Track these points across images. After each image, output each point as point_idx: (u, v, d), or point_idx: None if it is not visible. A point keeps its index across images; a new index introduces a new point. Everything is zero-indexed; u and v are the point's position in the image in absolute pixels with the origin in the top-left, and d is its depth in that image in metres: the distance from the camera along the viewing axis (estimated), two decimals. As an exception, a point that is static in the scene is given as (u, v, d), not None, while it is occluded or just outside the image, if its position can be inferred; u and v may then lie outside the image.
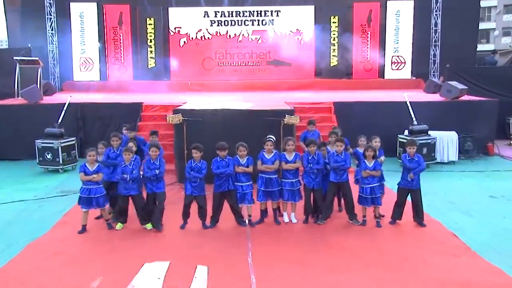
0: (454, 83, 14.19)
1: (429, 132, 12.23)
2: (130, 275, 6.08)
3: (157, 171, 7.60)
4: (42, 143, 12.04)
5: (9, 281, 6.02)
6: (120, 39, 18.81)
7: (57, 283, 5.94)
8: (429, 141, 12.05)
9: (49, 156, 11.90)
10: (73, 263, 6.53)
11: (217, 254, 6.81)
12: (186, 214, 7.86)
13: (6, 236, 7.50)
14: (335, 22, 18.87)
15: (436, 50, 18.31)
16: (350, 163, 7.85)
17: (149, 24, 18.85)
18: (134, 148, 7.94)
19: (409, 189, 7.80)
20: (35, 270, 6.33)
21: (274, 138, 8.23)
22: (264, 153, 7.90)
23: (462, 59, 17.82)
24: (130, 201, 7.77)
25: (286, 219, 8.02)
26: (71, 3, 18.44)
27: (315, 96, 15.66)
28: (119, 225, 7.77)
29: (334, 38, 18.92)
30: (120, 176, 7.56)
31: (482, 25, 28.77)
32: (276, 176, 7.93)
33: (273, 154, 7.87)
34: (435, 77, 17.83)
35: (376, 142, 8.21)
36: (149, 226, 7.75)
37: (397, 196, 7.94)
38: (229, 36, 19.14)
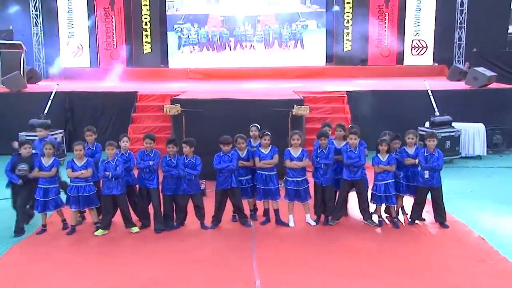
0: (481, 69, 14.11)
1: (453, 124, 12.16)
2: (123, 281, 6.14)
3: (151, 162, 7.63)
4: (27, 135, 12.06)
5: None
6: (112, 21, 18.80)
7: (44, 288, 5.99)
8: (453, 134, 11.99)
9: (34, 150, 11.90)
10: (60, 268, 6.59)
11: (219, 257, 6.85)
12: (181, 215, 7.93)
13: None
14: (349, 3, 18.74)
15: (461, 33, 18.17)
16: (364, 159, 7.84)
17: (144, 5, 18.78)
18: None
19: (429, 187, 7.80)
20: (19, 275, 6.39)
21: (259, 126, 8.32)
22: (260, 148, 7.92)
23: (491, 43, 17.72)
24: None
25: (291, 223, 7.97)
26: (57, -19, 18.48)
27: (327, 84, 15.62)
28: (99, 231, 7.68)
29: (348, 20, 18.83)
30: (102, 173, 7.57)
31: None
32: (275, 172, 7.94)
33: (269, 148, 7.88)
34: (460, 63, 17.74)
35: (410, 139, 8.02)
36: (135, 229, 7.77)
37: (416, 195, 7.95)
38: (232, 17, 19.05)
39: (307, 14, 19.06)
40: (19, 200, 7.76)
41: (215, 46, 19.21)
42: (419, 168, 7.81)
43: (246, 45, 19.20)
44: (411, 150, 7.95)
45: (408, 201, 8.20)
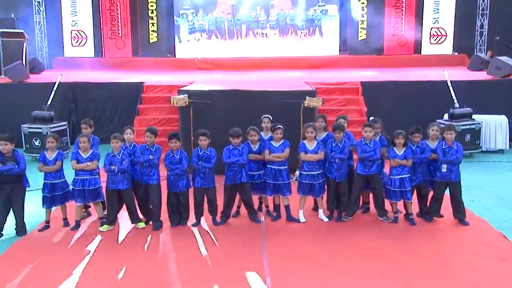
0: (504, 58, 14.00)
1: (474, 116, 12.09)
2: (130, 278, 6.17)
3: (151, 157, 7.62)
4: (29, 128, 12.18)
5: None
6: (117, 9, 18.80)
7: (46, 287, 6.03)
8: (473, 126, 11.91)
9: (37, 143, 12.03)
10: (64, 264, 6.62)
11: (228, 254, 6.87)
12: (199, 211, 7.91)
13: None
14: (365, -12, 18.65)
15: (483, 20, 17.96)
16: (379, 153, 7.80)
17: (150, -8, 18.82)
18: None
19: (447, 182, 7.74)
20: (21, 271, 6.42)
21: (271, 118, 8.29)
22: (272, 141, 7.90)
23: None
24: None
25: (302, 218, 8.00)
26: (60, -32, 18.51)
27: (340, 75, 15.56)
28: (104, 227, 7.72)
29: (363, 8, 18.70)
30: (107, 167, 7.59)
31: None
32: (286, 167, 7.93)
33: (281, 142, 7.86)
34: (481, 52, 17.57)
35: (434, 131, 7.93)
36: (141, 224, 7.81)
37: (434, 190, 7.89)
38: (243, 1, 18.86)
39: None
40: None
41: (224, 34, 19.04)
42: (439, 163, 7.73)
43: (258, 33, 18.94)
44: (433, 144, 7.86)
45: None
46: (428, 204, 8.00)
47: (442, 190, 7.82)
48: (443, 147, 7.69)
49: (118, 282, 6.11)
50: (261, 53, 18.84)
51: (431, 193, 7.98)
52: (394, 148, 7.79)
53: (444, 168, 7.65)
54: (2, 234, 7.62)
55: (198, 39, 19.00)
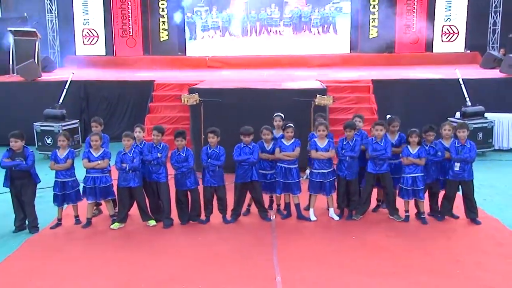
0: (517, 56, 13.91)
1: (486, 115, 12.01)
2: (140, 276, 6.21)
3: (159, 155, 7.66)
4: (41, 126, 12.26)
5: (7, 280, 6.18)
6: (128, 7, 18.88)
7: (58, 285, 6.07)
8: (486, 125, 11.82)
9: (49, 141, 12.11)
10: (76, 262, 6.67)
11: (239, 252, 6.88)
12: (209, 209, 7.93)
13: (2, 229, 7.70)
14: (376, -13, 18.58)
15: (496, 18, 17.83)
16: (390, 152, 7.76)
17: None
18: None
19: (460, 181, 7.69)
20: (35, 268, 6.49)
21: (283, 116, 8.29)
22: (283, 140, 7.90)
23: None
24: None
25: (312, 217, 7.98)
26: (72, -35, 18.61)
27: (351, 73, 15.51)
28: (115, 225, 7.76)
29: (374, 5, 18.62)
30: (119, 165, 7.62)
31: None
32: (297, 166, 7.92)
33: (292, 141, 7.85)
34: (494, 50, 17.44)
35: (447, 130, 7.84)
36: (152, 222, 7.83)
37: (446, 189, 7.84)
38: (247, 3, 18.84)
39: None
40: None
41: (238, 31, 18.95)
42: (452, 161, 7.67)
43: (272, 30, 18.83)
44: (447, 143, 7.80)
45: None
46: (439, 203, 7.96)
47: (455, 189, 7.76)
48: (456, 145, 7.62)
49: (129, 280, 6.14)
50: (274, 51, 18.78)
51: (442, 192, 7.94)
52: (408, 146, 7.76)
53: (457, 166, 7.59)
54: (16, 229, 7.71)
55: (212, 36, 18.97)
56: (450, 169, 7.69)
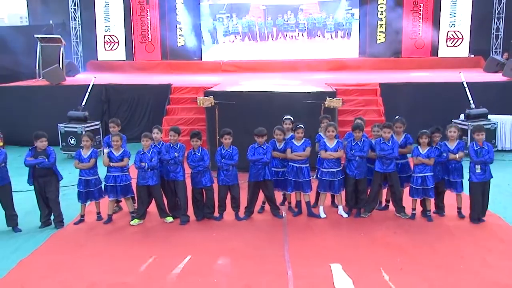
0: (520, 60, 13.76)
1: (489, 117, 11.91)
2: (158, 270, 6.21)
3: (176, 154, 7.67)
4: (65, 127, 12.34)
5: (33, 273, 6.23)
6: (147, 15, 18.94)
7: (81, 278, 6.10)
8: (489, 126, 11.70)
9: (72, 141, 12.18)
10: (98, 257, 6.70)
11: (251, 247, 6.87)
12: (222, 206, 7.94)
13: (28, 225, 7.76)
14: (383, -6, 18.47)
15: (499, 23, 17.64)
16: (397, 151, 7.72)
17: (178, -1, 18.92)
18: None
19: (483, 182, 7.54)
20: (59, 262, 6.53)
21: (292, 119, 8.26)
22: (293, 140, 7.87)
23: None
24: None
25: (322, 214, 7.96)
26: (94, -23, 18.70)
27: (359, 77, 15.42)
28: (134, 221, 7.80)
29: (382, 12, 18.51)
30: (138, 164, 7.65)
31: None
32: (307, 165, 7.89)
33: (303, 141, 7.84)
34: (497, 54, 17.26)
35: (452, 132, 7.76)
36: (169, 219, 7.85)
37: (471, 192, 7.65)
38: (274, 6, 18.78)
39: (353, 2, 18.51)
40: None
41: (256, 36, 18.95)
42: (471, 164, 7.55)
43: (287, 35, 18.82)
44: (452, 145, 7.73)
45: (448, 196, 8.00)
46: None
47: (480, 191, 7.56)
48: (475, 148, 7.50)
49: (148, 273, 6.15)
50: (288, 56, 18.74)
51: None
52: (419, 147, 7.71)
53: (478, 169, 7.47)
54: (42, 224, 7.77)
55: (232, 41, 18.98)
56: (471, 172, 7.54)
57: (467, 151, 7.77)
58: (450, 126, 7.89)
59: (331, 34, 18.67)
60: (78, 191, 7.88)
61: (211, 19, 18.87)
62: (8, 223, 7.68)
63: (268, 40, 18.82)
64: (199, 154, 7.71)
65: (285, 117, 8.32)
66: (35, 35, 15.72)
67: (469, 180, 7.63)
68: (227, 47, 18.85)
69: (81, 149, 7.92)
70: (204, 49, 19.17)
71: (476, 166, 7.48)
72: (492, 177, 7.61)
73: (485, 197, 7.63)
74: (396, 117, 8.15)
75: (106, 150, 7.83)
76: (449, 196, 7.96)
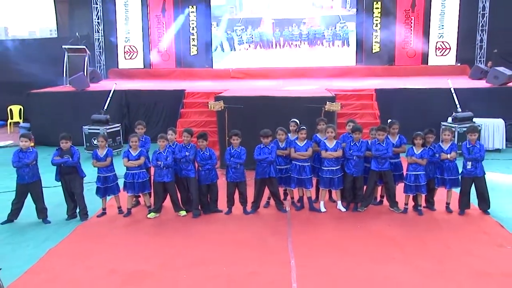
0: (501, 69, 13.69)
1: (474, 120, 11.83)
2: (172, 258, 6.23)
3: (187, 153, 7.68)
4: (89, 129, 12.39)
5: (62, 260, 6.29)
6: (163, 27, 18.97)
7: (103, 265, 6.14)
8: (474, 128, 11.64)
9: (95, 142, 12.10)
10: (118, 246, 6.74)
11: (258, 239, 6.86)
12: (231, 202, 7.94)
13: (56, 217, 7.80)
14: (378, 8, 18.39)
15: (483, 35, 17.57)
16: (391, 151, 7.71)
17: (191, 12, 18.93)
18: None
19: (474, 177, 7.60)
20: (83, 251, 6.57)
21: (298, 121, 8.24)
22: (297, 141, 7.86)
23: (511, 44, 17.12)
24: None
25: (323, 208, 7.94)
26: (116, -7, 18.75)
27: (356, 83, 15.37)
28: (151, 214, 7.82)
29: (377, 24, 18.48)
30: (155, 163, 7.67)
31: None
32: (309, 164, 7.88)
33: (305, 142, 7.83)
34: (481, 63, 17.20)
35: (446, 135, 7.80)
36: (182, 213, 7.86)
37: (462, 186, 7.72)
38: (281, 19, 18.94)
39: (348, 17, 18.64)
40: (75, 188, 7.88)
41: (266, 45, 19.17)
42: (464, 160, 7.61)
43: (292, 44, 19.07)
44: (445, 146, 7.72)
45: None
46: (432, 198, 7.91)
47: (469, 185, 7.67)
48: (468, 146, 7.60)
49: (164, 261, 6.17)
50: (292, 63, 18.81)
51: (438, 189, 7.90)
52: (413, 147, 7.71)
53: (469, 165, 7.55)
54: (69, 217, 7.81)
55: (247, 49, 19.14)
56: (463, 167, 7.63)
57: (460, 151, 7.80)
58: (445, 129, 8.04)
59: (329, 43, 18.78)
60: (97, 187, 7.92)
61: (225, 30, 18.98)
62: (39, 216, 7.73)
63: (276, 48, 19.05)
64: (207, 153, 7.74)
65: (291, 120, 8.32)
66: (63, 46, 15.79)
67: (460, 174, 7.69)
68: (242, 53, 19.08)
69: (97, 149, 7.96)
70: (222, 55, 19.20)
71: (468, 162, 7.54)
72: (484, 173, 7.64)
73: (482, 191, 7.65)
74: (390, 120, 8.15)
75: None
76: (439, 192, 7.95)
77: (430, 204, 7.90)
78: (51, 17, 21.06)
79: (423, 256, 6.22)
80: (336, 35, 18.71)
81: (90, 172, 8.23)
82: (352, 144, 7.77)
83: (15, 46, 18.20)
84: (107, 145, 8.04)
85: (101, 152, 7.87)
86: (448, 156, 7.62)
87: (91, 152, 11.79)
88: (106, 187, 7.88)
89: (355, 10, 18.54)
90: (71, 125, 12.72)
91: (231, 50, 19.22)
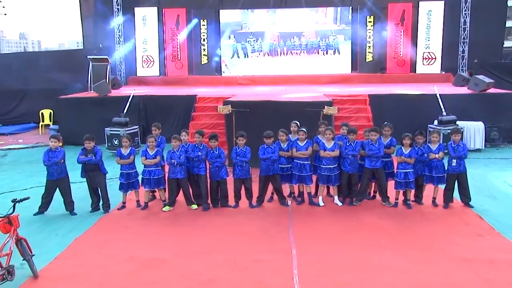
0: (481, 77, 13.64)
1: (457, 122, 11.79)
2: (185, 247, 6.23)
3: (199, 153, 7.69)
4: (111, 130, 12.41)
5: (87, 248, 6.33)
6: (177, 39, 18.97)
7: (123, 252, 6.16)
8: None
9: (116, 142, 12.25)
10: (137, 236, 6.76)
11: (262, 230, 6.86)
12: (238, 196, 7.93)
13: (81, 210, 7.82)
14: (371, 22, 18.40)
15: (464, 47, 17.53)
16: (383, 151, 7.68)
17: (202, 25, 18.96)
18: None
19: (458, 174, 7.61)
20: (106, 240, 6.60)
21: (298, 123, 8.20)
22: (297, 141, 7.85)
23: (489, 55, 17.29)
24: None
25: (321, 203, 7.92)
26: (135, 8, 18.70)
27: (352, 89, 15.31)
28: (166, 208, 7.82)
29: (370, 36, 18.45)
30: (169, 161, 7.69)
31: (510, 23, 27.29)
32: (309, 162, 7.86)
33: (305, 142, 7.80)
34: (463, 72, 17.12)
35: (434, 137, 7.76)
36: (194, 206, 7.85)
37: (447, 182, 7.71)
38: (284, 33, 19.22)
39: (338, 31, 19.01)
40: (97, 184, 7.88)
41: (272, 53, 19.48)
42: (449, 158, 7.65)
43: (293, 52, 19.43)
44: (434, 147, 7.72)
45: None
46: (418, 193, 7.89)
47: (453, 181, 7.69)
48: (453, 145, 7.63)
49: (177, 250, 6.18)
50: (293, 71, 18.97)
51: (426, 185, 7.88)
52: (402, 147, 7.68)
53: (454, 162, 7.58)
54: (92, 210, 7.83)
55: (258, 56, 19.31)
56: (449, 165, 7.65)
57: (446, 151, 7.79)
58: (433, 132, 8.02)
59: (323, 52, 19.13)
60: (120, 182, 7.93)
61: (238, 41, 19.34)
62: (67, 208, 7.77)
63: (280, 55, 19.47)
64: (217, 152, 7.74)
65: (292, 122, 8.29)
66: (88, 56, 15.90)
67: (446, 171, 7.68)
68: (254, 60, 19.38)
69: (121, 148, 7.98)
70: (237, 61, 19.35)
71: (453, 160, 7.56)
72: (466, 170, 7.65)
73: (464, 185, 7.67)
74: (385, 123, 8.13)
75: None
76: (426, 188, 7.92)
77: (418, 198, 7.88)
78: (78, 31, 21.24)
79: (412, 244, 6.21)
80: (329, 45, 19.19)
81: (111, 169, 8.24)
82: (348, 144, 7.75)
83: (46, 57, 18.24)
84: (130, 145, 8.06)
85: (125, 151, 7.89)
86: (437, 155, 7.61)
87: (113, 151, 12.01)
88: (128, 182, 7.91)
89: (344, 25, 18.88)
90: (94, 127, 12.68)
91: (245, 57, 19.56)
